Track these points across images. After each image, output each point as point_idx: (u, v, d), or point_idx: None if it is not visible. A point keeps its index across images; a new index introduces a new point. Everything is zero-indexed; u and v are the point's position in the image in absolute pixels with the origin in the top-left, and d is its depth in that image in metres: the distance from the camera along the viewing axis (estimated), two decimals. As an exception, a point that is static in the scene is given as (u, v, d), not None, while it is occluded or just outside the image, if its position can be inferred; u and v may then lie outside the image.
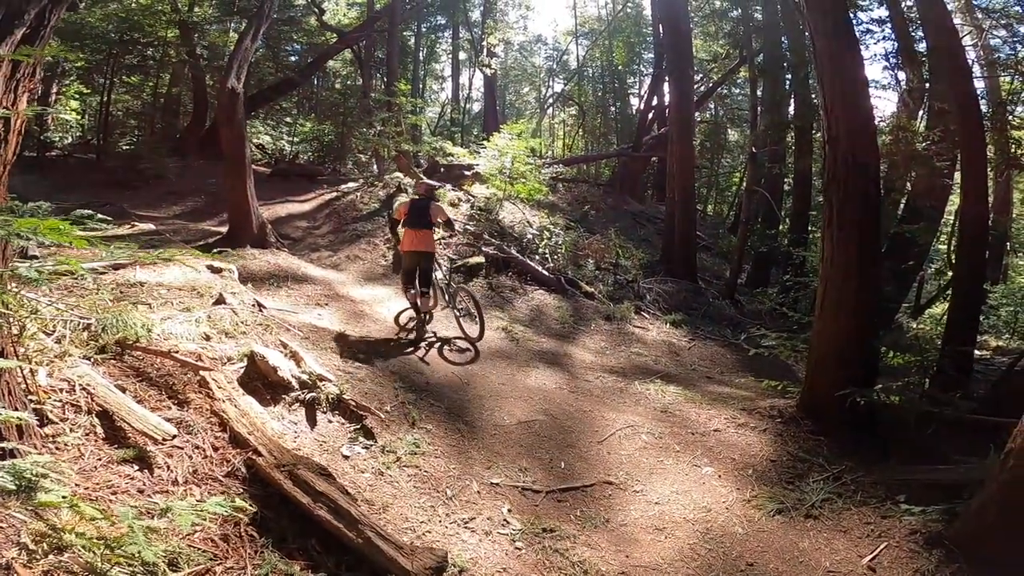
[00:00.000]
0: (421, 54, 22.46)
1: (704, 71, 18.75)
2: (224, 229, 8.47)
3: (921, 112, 9.09)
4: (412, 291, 5.60)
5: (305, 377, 3.75)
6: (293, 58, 18.17)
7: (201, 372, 3.31)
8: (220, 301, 4.51)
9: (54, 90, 15.10)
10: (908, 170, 8.02)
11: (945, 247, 9.55)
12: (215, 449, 2.85)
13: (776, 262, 12.28)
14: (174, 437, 2.71)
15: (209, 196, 11.02)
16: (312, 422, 3.58)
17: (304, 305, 6.15)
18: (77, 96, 15.51)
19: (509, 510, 3.34)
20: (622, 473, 3.91)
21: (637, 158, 17.84)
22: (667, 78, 12.42)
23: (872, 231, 4.33)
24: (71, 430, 2.55)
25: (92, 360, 3.10)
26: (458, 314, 5.95)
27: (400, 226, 5.64)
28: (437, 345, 5.55)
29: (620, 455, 4.16)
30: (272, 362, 3.62)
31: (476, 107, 26.98)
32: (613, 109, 25.46)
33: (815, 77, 4.81)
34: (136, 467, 2.54)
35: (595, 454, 4.16)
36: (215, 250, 5.99)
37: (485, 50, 18.64)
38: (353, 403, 3.76)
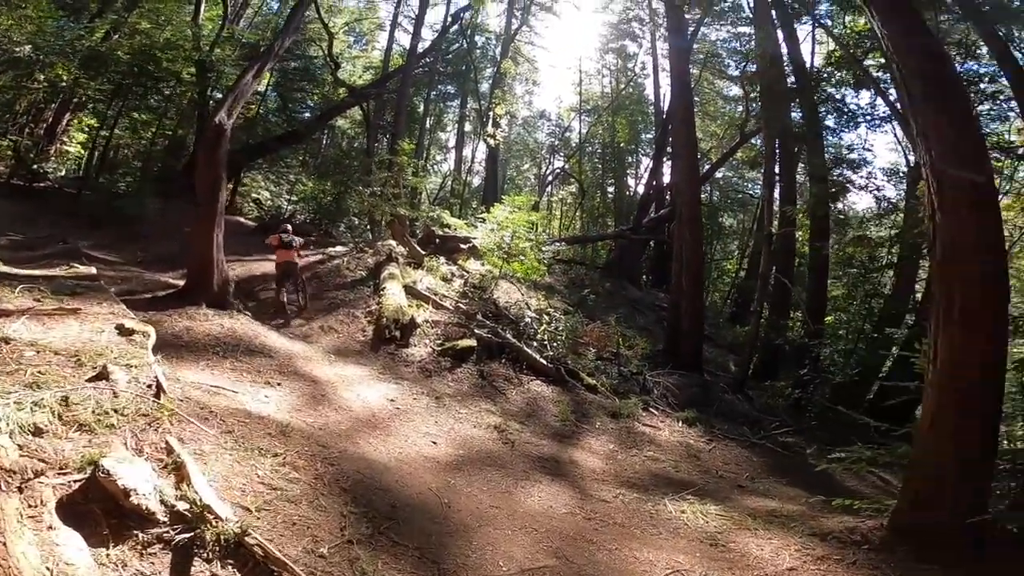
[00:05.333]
0: (429, 121, 22.90)
1: (702, 152, 18.90)
2: (184, 282, 7.56)
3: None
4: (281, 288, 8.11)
5: (184, 506, 2.58)
6: (306, 114, 18.25)
7: None
8: (102, 376, 3.46)
9: (65, 120, 14.88)
10: None
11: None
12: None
13: (784, 354, 11.51)
14: None
15: (180, 244, 10.24)
16: (180, 581, 2.39)
17: (250, 383, 5.09)
18: (86, 130, 15.29)
19: None
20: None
21: (636, 240, 17.54)
22: (671, 159, 12.36)
23: (1002, 326, 3.63)
24: None
25: None
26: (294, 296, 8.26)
27: (277, 248, 8.12)
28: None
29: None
30: (125, 482, 2.49)
31: (477, 180, 27.29)
32: (611, 189, 25.76)
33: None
34: None
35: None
36: (151, 309, 5.05)
37: (491, 120, 18.86)
38: (260, 550, 2.53)
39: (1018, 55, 7.06)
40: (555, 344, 7.97)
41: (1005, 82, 7.78)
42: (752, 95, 14.00)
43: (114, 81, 13.30)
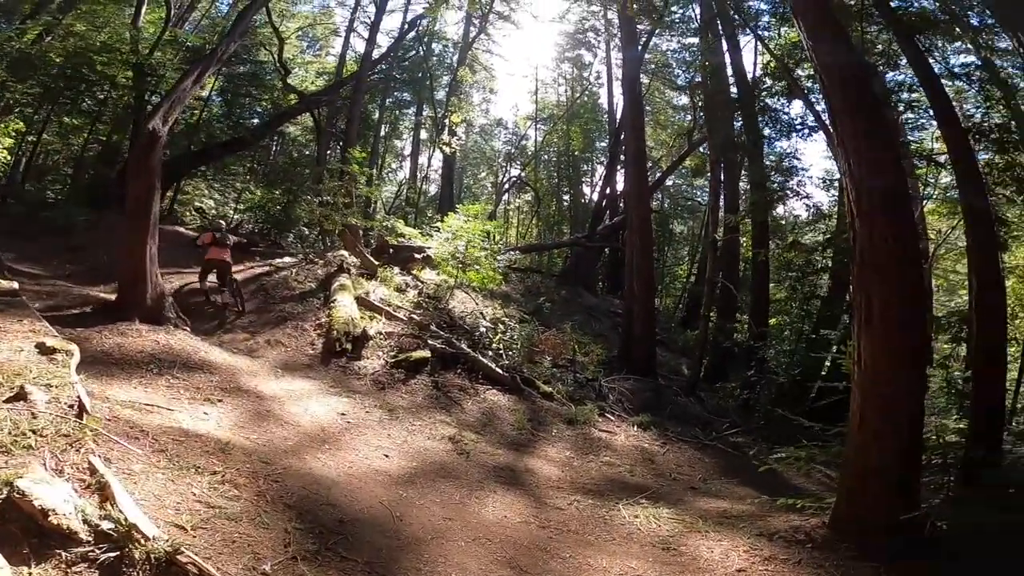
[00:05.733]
0: (384, 128, 22.54)
1: (653, 160, 19.35)
2: (115, 296, 7.11)
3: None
4: (208, 283, 8.29)
5: (108, 525, 2.44)
6: (254, 120, 17.63)
7: None
8: (20, 397, 3.22)
9: None
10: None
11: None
12: None
13: (733, 356, 11.94)
14: None
15: (112, 256, 9.65)
16: (108, 600, 2.25)
17: (188, 401, 4.82)
18: (14, 135, 14.23)
19: None
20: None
21: (591, 248, 17.79)
22: (623, 167, 12.63)
23: (921, 327, 3.83)
24: None
25: None
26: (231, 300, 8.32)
27: (209, 245, 8.21)
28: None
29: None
30: (43, 502, 2.37)
31: (433, 188, 27.01)
32: (567, 197, 26.08)
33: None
34: None
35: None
36: (79, 325, 4.73)
37: (447, 128, 18.77)
38: (194, 568, 2.39)
39: (935, 64, 7.59)
40: (511, 353, 7.97)
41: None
42: (699, 104, 14.56)
43: (44, 84, 12.56)
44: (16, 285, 6.26)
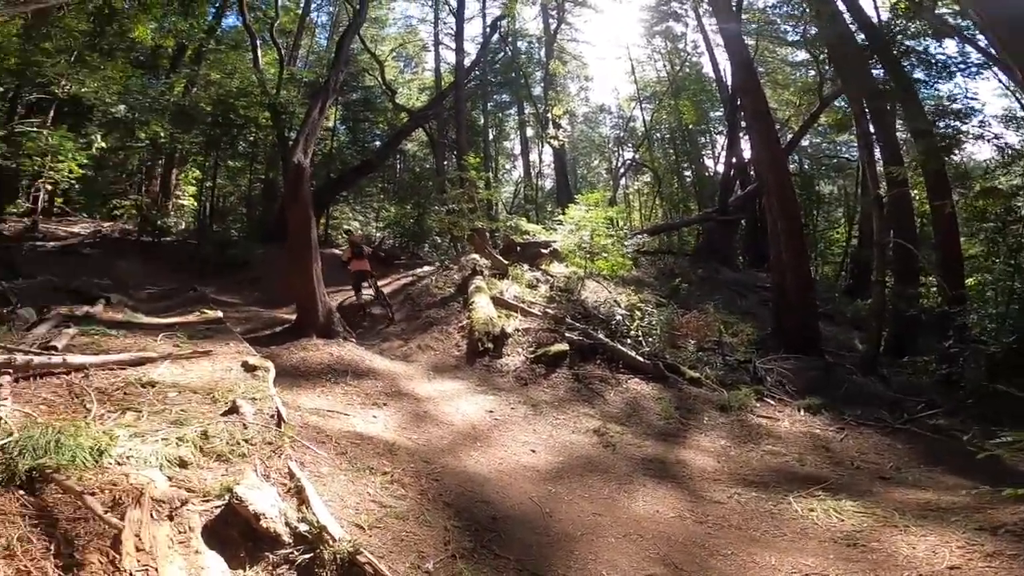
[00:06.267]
0: (491, 132, 23.28)
1: (780, 121, 17.63)
2: (295, 317, 8.17)
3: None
4: (364, 296, 9.55)
5: (304, 528, 2.72)
6: (376, 143, 19.22)
7: (111, 525, 2.39)
8: (233, 411, 3.78)
9: (174, 175, 16.68)
10: None
11: None
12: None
13: (920, 325, 10.16)
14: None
15: (286, 283, 11.15)
16: (303, 596, 2.53)
17: (360, 405, 5.37)
18: (194, 182, 16.92)
19: None
20: None
21: (724, 221, 16.56)
22: (746, 134, 11.58)
23: None
24: None
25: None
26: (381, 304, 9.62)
27: (351, 259, 9.48)
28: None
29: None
30: (255, 507, 2.67)
31: (548, 183, 27.25)
32: (688, 173, 24.61)
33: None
34: None
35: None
36: (271, 344, 5.48)
37: (551, 123, 18.76)
38: (371, 568, 2.61)
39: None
40: (650, 339, 7.65)
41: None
42: (820, 58, 12.94)
43: (204, 133, 14.44)
44: (220, 314, 7.52)
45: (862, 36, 11.21)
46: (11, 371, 3.74)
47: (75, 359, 4.19)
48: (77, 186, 14.69)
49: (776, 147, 10.13)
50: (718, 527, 3.83)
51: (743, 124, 15.78)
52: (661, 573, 3.21)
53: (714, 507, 4.17)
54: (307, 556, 2.59)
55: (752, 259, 17.72)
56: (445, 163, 17.47)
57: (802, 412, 6.50)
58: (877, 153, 10.81)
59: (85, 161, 12.20)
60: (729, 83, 17.53)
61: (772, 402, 6.78)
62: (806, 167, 21.11)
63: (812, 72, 17.08)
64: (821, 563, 3.26)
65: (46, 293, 7.54)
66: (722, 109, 20.64)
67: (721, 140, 22.25)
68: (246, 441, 3.42)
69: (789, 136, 17.37)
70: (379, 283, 11.29)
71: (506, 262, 10.53)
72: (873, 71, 11.06)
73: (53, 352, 4.32)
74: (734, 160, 17.67)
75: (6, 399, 3.38)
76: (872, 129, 10.42)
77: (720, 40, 14.60)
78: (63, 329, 5.31)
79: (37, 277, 8.37)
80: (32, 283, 7.94)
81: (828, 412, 6.48)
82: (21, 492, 2.49)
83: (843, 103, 15.24)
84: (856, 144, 14.78)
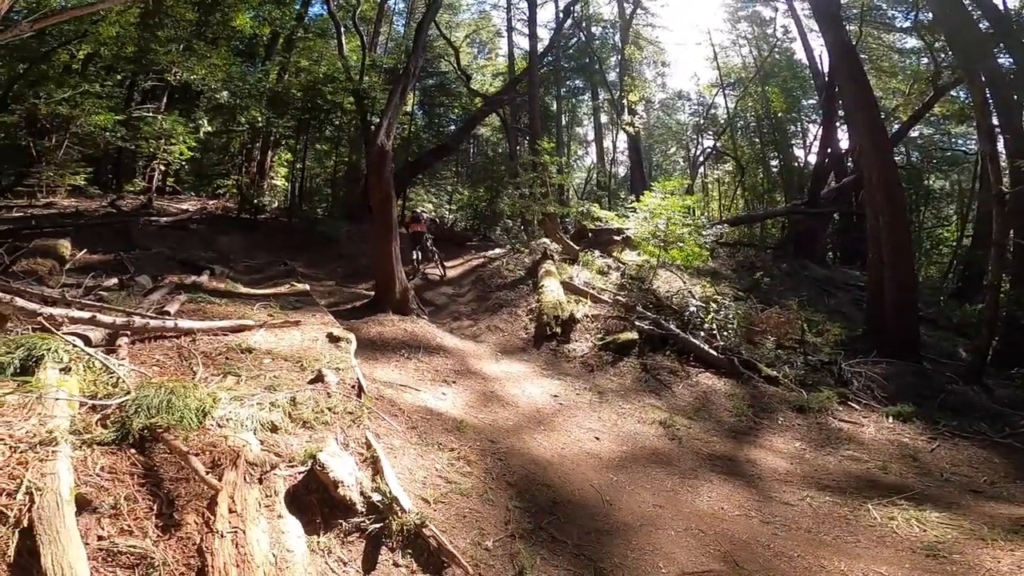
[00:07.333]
0: (564, 118, 23.01)
1: (885, 111, 16.18)
2: (373, 293, 8.55)
3: None
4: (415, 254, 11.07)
5: (377, 498, 2.81)
6: (451, 127, 19.76)
7: (210, 486, 2.49)
8: (319, 379, 3.97)
9: (269, 157, 18.02)
10: None
11: None
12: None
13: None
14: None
15: (367, 259, 11.66)
16: (369, 565, 2.58)
17: (430, 382, 5.56)
18: (286, 164, 18.24)
19: None
20: None
21: (814, 214, 15.44)
22: (846, 123, 10.67)
23: None
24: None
25: (85, 450, 2.48)
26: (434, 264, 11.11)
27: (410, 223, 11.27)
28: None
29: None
30: (335, 474, 2.78)
31: (622, 170, 26.61)
32: (775, 163, 23.11)
33: None
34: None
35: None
36: (351, 318, 5.76)
37: (626, 109, 18.25)
38: (434, 541, 2.71)
39: None
40: (725, 333, 7.35)
41: None
42: (934, 45, 11.63)
43: (295, 117, 15.36)
44: (307, 287, 8.03)
45: (985, 24, 10.33)
46: (129, 332, 4.09)
47: (185, 324, 4.54)
48: (186, 167, 16.19)
49: (881, 137, 9.29)
50: (786, 528, 3.68)
51: (840, 113, 14.86)
52: (720, 570, 3.13)
53: (783, 508, 3.99)
54: (377, 526, 2.69)
55: (844, 256, 16.57)
56: (518, 148, 17.48)
57: (890, 419, 6.03)
58: (1000, 146, 9.68)
59: (194, 144, 13.44)
60: (825, 70, 16.58)
61: (857, 407, 6.32)
62: (915, 159, 19.22)
63: (924, 59, 15.91)
64: (895, 572, 3.07)
65: (159, 263, 8.35)
66: (815, 97, 19.39)
67: (813, 129, 20.99)
68: (329, 409, 3.55)
69: (896, 126, 15.91)
70: (448, 263, 11.67)
71: (577, 247, 10.45)
72: (998, 59, 10.05)
73: (167, 316, 4.71)
74: (829, 150, 16.42)
75: (124, 359, 3.66)
76: (996, 120, 9.34)
77: (815, 25, 13.61)
78: (175, 296, 5.84)
79: (151, 249, 9.27)
80: (147, 254, 8.80)
81: (920, 421, 5.98)
82: (132, 451, 2.60)
83: (960, 92, 14.04)
84: (975, 136, 13.61)
